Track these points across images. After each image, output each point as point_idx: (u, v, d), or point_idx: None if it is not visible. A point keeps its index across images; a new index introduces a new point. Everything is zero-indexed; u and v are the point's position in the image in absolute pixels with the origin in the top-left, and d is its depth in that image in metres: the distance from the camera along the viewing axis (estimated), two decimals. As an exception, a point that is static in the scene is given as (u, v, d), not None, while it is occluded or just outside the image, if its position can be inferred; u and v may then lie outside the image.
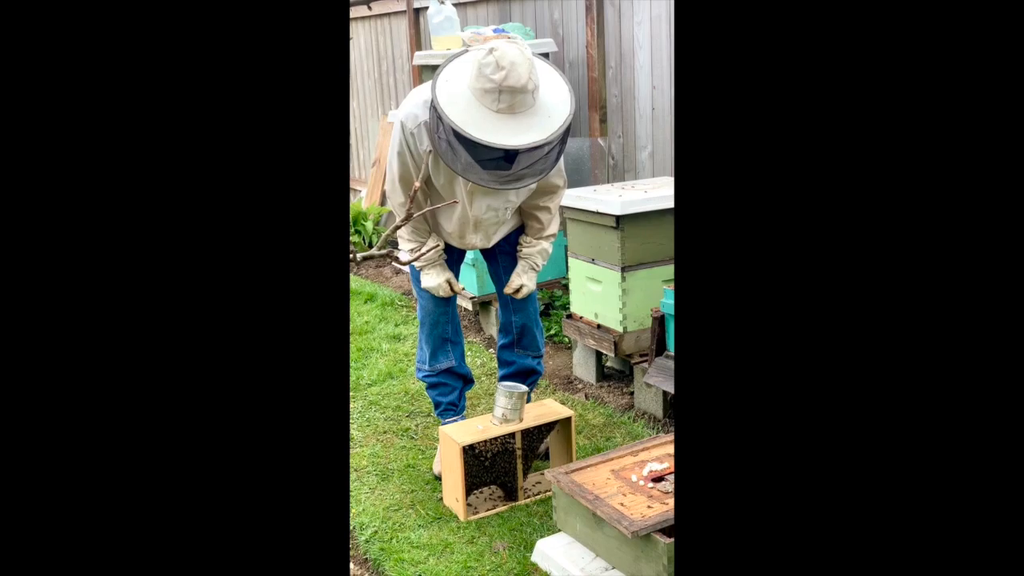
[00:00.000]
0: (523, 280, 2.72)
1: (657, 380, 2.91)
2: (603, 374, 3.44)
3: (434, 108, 2.22)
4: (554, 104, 2.27)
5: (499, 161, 2.21)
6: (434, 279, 2.65)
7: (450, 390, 2.82)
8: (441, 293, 2.66)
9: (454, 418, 2.81)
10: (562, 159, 2.54)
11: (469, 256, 3.88)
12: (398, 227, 1.35)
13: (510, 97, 2.19)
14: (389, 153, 2.55)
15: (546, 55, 3.91)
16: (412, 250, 2.61)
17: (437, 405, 2.86)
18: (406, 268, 4.97)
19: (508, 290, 2.72)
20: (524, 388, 2.58)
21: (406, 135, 2.41)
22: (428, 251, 2.35)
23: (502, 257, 2.76)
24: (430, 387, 2.83)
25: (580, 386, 3.43)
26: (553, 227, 2.71)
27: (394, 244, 3.26)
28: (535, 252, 2.71)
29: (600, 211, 3.09)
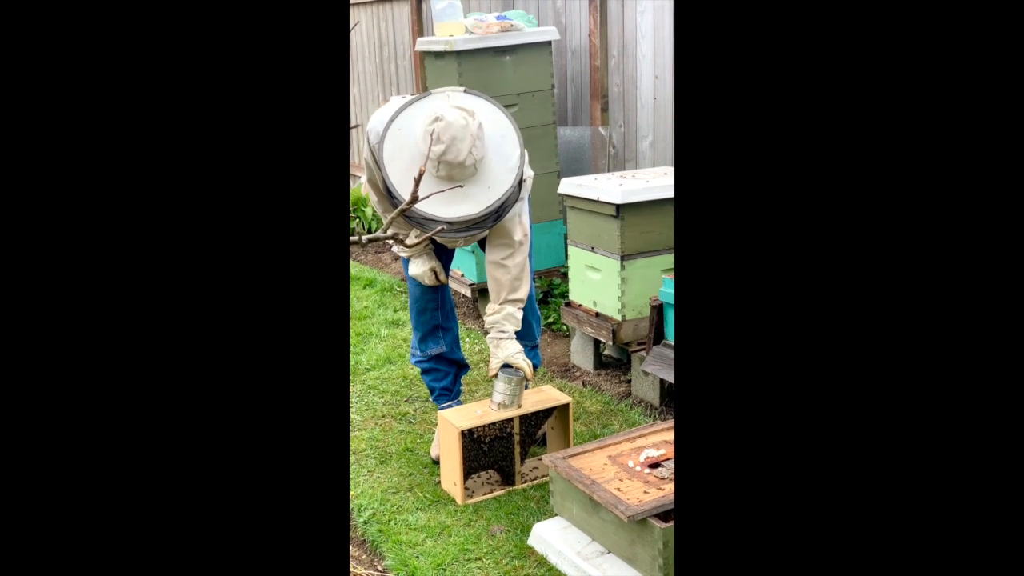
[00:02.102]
0: (498, 355, 2.51)
1: (655, 368, 2.93)
2: (601, 362, 3.46)
3: (378, 155, 2.26)
4: (497, 174, 2.28)
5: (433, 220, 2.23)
6: (420, 267, 2.66)
7: (443, 375, 2.84)
8: (427, 281, 2.67)
9: (449, 403, 2.84)
10: (526, 212, 2.53)
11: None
12: (403, 210, 1.37)
13: (448, 168, 2.23)
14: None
15: (548, 44, 3.91)
16: (395, 236, 2.59)
17: (432, 391, 2.89)
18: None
19: (491, 374, 2.57)
20: (522, 374, 2.60)
21: (370, 145, 2.43)
22: (417, 242, 2.36)
23: None
24: (424, 372, 2.87)
25: (578, 374, 3.45)
26: (520, 291, 2.52)
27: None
28: (499, 319, 2.53)
29: (600, 199, 3.10)
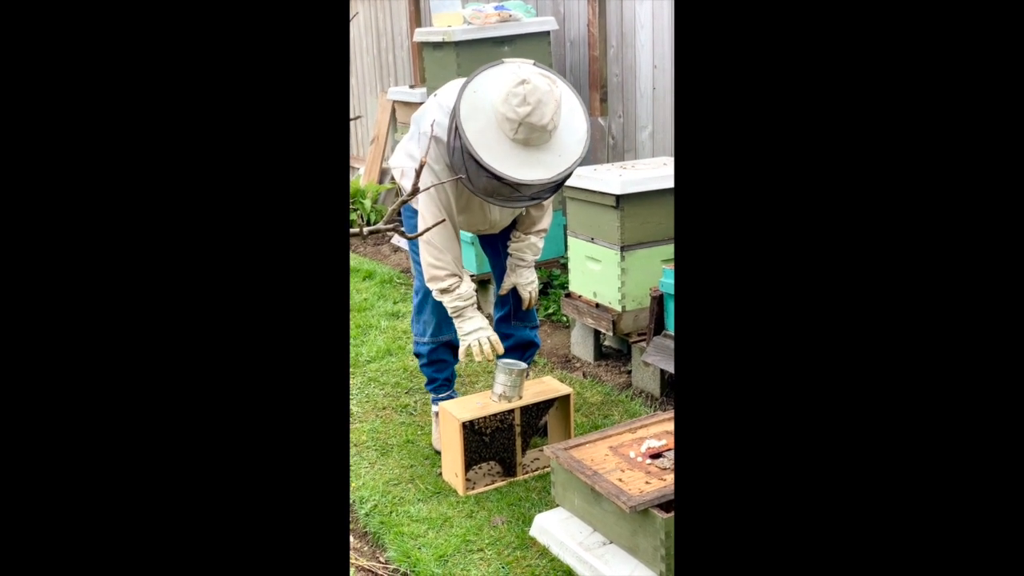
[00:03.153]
0: (512, 279, 2.71)
1: (655, 359, 2.93)
2: (601, 353, 3.46)
3: (454, 114, 2.26)
4: (568, 144, 2.33)
5: (503, 183, 2.27)
6: (477, 322, 2.53)
7: (446, 366, 2.84)
8: (485, 340, 2.52)
9: (447, 394, 2.83)
10: None
11: (467, 235, 3.89)
12: (405, 201, 1.36)
13: (527, 131, 2.25)
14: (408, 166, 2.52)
15: (546, 34, 3.89)
16: (449, 287, 2.49)
17: (433, 381, 2.86)
18: (405, 244, 4.98)
19: (502, 292, 2.74)
20: (524, 365, 2.60)
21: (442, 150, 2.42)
22: (425, 229, 2.33)
23: (503, 235, 2.78)
24: (427, 364, 2.84)
25: (578, 364, 3.45)
26: (545, 222, 2.71)
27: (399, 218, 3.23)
28: (524, 247, 2.70)
29: (600, 190, 3.10)
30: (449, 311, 2.55)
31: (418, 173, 1.35)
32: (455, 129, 2.27)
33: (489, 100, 2.28)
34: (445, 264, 2.49)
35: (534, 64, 2.40)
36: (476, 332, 2.53)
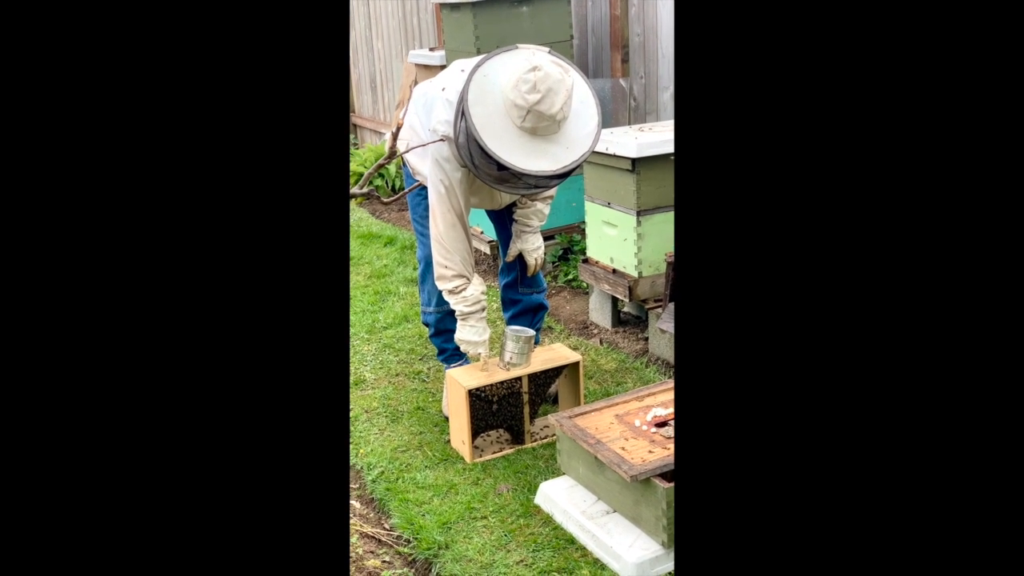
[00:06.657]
0: (518, 245, 2.70)
1: (670, 326, 2.87)
2: (619, 319, 3.41)
3: (462, 97, 2.21)
4: (576, 137, 2.26)
5: (505, 170, 2.22)
6: (480, 333, 2.54)
7: (454, 335, 2.81)
8: (475, 355, 2.55)
9: (460, 363, 2.81)
10: None
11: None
12: (381, 165, 1.33)
13: (536, 119, 2.19)
14: (433, 173, 2.46)
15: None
16: (455, 288, 2.50)
17: (443, 351, 2.85)
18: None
19: (509, 258, 2.73)
20: (531, 332, 2.57)
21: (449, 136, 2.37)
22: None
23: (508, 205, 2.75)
24: (436, 334, 2.82)
25: (596, 331, 3.41)
26: (552, 190, 2.67)
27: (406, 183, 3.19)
28: (530, 213, 2.68)
29: (616, 154, 3.03)
30: (455, 313, 2.55)
31: (394, 136, 1.32)
32: (462, 113, 2.23)
33: (498, 85, 2.22)
34: (452, 264, 2.47)
35: (549, 52, 2.33)
36: (469, 344, 2.55)
